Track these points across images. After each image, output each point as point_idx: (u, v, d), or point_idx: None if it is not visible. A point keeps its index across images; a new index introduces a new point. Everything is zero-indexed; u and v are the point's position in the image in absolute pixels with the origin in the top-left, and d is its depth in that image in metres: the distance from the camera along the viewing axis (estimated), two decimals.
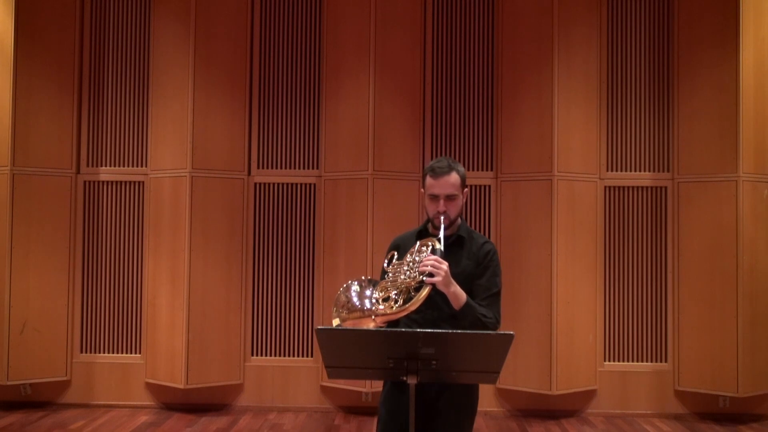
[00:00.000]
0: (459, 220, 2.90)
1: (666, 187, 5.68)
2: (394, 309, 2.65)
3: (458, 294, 2.68)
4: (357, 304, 2.69)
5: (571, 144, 5.51)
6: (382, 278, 2.85)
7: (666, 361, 5.62)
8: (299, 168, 5.83)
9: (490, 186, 5.73)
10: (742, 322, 5.26)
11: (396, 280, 2.71)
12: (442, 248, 2.68)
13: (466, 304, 2.69)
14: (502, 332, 2.41)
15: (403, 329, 2.63)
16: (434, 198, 2.78)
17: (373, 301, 2.68)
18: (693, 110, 5.54)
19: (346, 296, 2.72)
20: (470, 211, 5.74)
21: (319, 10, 5.84)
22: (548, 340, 5.38)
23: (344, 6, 5.69)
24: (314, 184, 5.79)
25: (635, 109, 5.75)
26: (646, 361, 5.65)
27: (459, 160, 5.72)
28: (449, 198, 2.78)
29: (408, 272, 2.70)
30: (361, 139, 5.56)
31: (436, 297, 2.70)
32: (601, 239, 5.65)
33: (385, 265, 2.83)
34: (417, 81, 5.70)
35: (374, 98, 5.55)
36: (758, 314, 5.35)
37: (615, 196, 5.72)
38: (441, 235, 2.72)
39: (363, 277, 2.79)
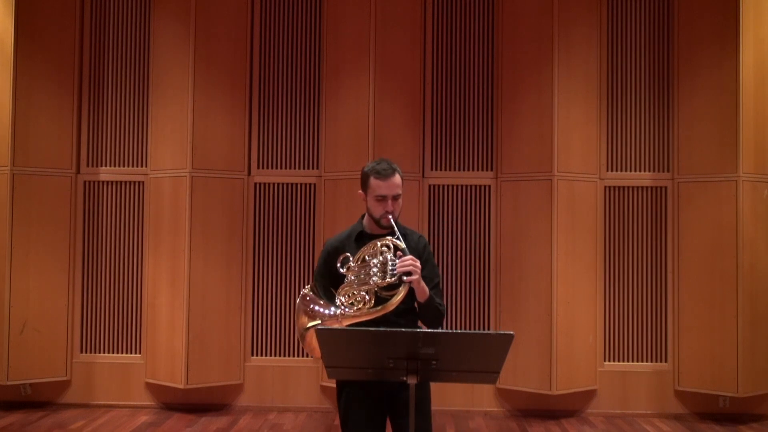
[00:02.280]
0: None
1: (666, 187, 5.68)
2: (368, 310, 2.72)
3: (424, 287, 2.79)
4: (324, 311, 2.75)
5: (571, 144, 5.51)
6: (317, 281, 2.92)
7: (666, 361, 5.62)
8: (299, 168, 5.83)
9: (490, 186, 5.73)
10: (742, 322, 5.26)
11: (366, 282, 2.76)
12: (404, 245, 2.77)
13: (429, 295, 2.81)
14: (502, 332, 2.42)
15: (404, 329, 2.63)
16: (382, 199, 2.87)
17: (339, 304, 2.75)
18: (693, 110, 5.54)
19: (309, 306, 2.78)
20: (470, 211, 5.74)
21: (319, 10, 5.84)
22: (548, 340, 5.38)
23: (344, 6, 5.69)
24: (314, 184, 5.79)
25: (635, 109, 5.75)
26: (646, 361, 5.65)
27: (459, 160, 5.76)
28: (395, 198, 2.88)
29: (378, 273, 2.75)
30: (361, 139, 5.56)
31: (388, 295, 2.77)
32: (601, 239, 5.65)
33: (339, 267, 2.85)
34: (417, 81, 5.70)
35: (374, 98, 5.55)
36: (758, 314, 5.35)
37: (615, 196, 5.72)
38: (398, 233, 2.82)
39: (306, 288, 2.86)
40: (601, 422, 5.44)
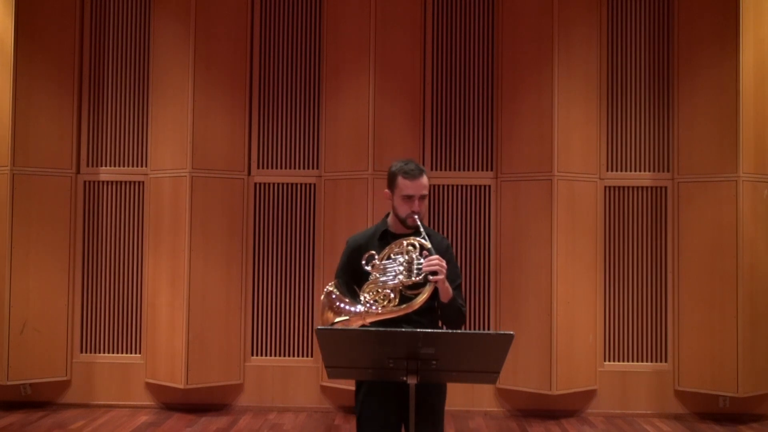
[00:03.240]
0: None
1: (666, 187, 5.68)
2: (393, 308, 2.73)
3: (448, 288, 2.81)
4: (349, 308, 2.76)
5: (571, 144, 5.51)
6: (339, 278, 2.95)
7: (666, 361, 5.62)
8: (299, 168, 5.83)
9: (490, 186, 5.73)
10: (742, 322, 5.26)
11: (392, 280, 2.78)
12: (430, 245, 2.79)
13: (452, 296, 2.83)
14: (502, 332, 2.42)
15: (404, 329, 2.63)
16: (408, 198, 2.89)
17: (363, 301, 2.77)
18: (693, 110, 5.54)
19: (336, 304, 2.79)
20: (470, 211, 5.74)
21: (319, 10, 5.84)
22: (548, 339, 5.38)
23: (344, 6, 5.69)
24: (314, 184, 5.79)
25: (635, 109, 5.75)
26: (646, 361, 5.65)
27: (459, 160, 5.76)
28: (422, 198, 2.90)
29: (404, 271, 2.76)
30: (361, 139, 5.56)
31: (411, 294, 2.79)
32: (601, 239, 5.65)
33: (364, 265, 2.87)
34: (417, 81, 5.70)
35: (374, 98, 5.55)
36: (758, 314, 5.35)
37: (615, 196, 5.72)
38: (423, 233, 2.84)
39: (330, 285, 2.87)
40: (601, 422, 5.44)
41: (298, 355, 5.76)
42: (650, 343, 5.65)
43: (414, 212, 2.87)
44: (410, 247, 2.82)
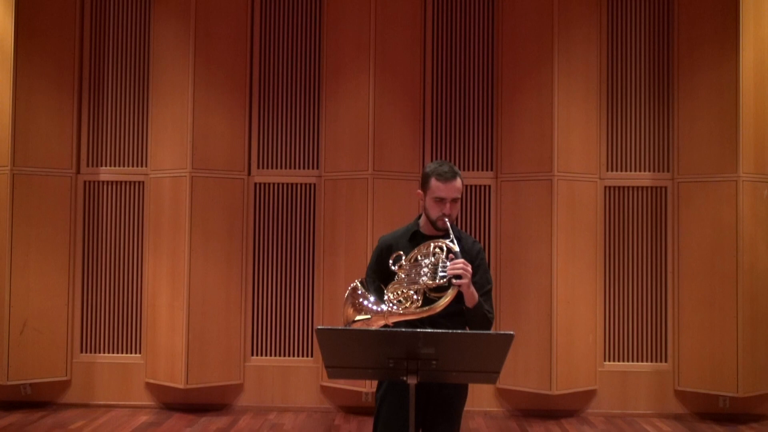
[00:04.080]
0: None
1: (666, 187, 5.68)
2: (415, 309, 2.72)
3: (473, 293, 2.78)
4: (372, 306, 2.76)
5: (571, 144, 5.51)
6: (368, 276, 2.95)
7: (666, 361, 5.62)
8: (299, 168, 5.83)
9: (490, 186, 5.73)
10: (742, 322, 5.26)
11: (416, 281, 2.76)
12: (458, 249, 2.77)
13: (478, 302, 2.80)
14: (502, 332, 2.42)
15: (403, 329, 2.63)
16: (440, 201, 2.87)
17: (386, 301, 2.76)
18: (693, 110, 5.54)
19: (358, 301, 2.79)
20: (470, 211, 5.74)
21: (319, 10, 5.84)
22: (548, 339, 5.38)
23: (344, 6, 5.69)
24: (314, 184, 5.79)
25: (635, 108, 5.75)
26: (646, 361, 5.65)
27: (459, 160, 5.75)
28: (454, 201, 2.88)
29: (428, 273, 2.75)
30: (361, 139, 5.56)
31: (436, 296, 2.76)
32: (601, 239, 5.65)
33: (391, 265, 2.87)
34: (417, 81, 5.70)
35: (374, 98, 5.55)
36: (758, 314, 5.35)
37: (615, 196, 5.72)
38: (452, 236, 2.81)
39: (357, 280, 2.87)
40: (601, 422, 5.44)
41: (298, 355, 5.76)
42: (650, 343, 5.65)
43: (445, 215, 2.85)
44: (437, 250, 2.81)
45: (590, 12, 5.64)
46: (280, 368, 5.73)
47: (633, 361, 5.65)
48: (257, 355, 5.76)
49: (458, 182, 2.88)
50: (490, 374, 2.56)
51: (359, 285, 2.84)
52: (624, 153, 5.74)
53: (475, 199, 5.74)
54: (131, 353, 5.76)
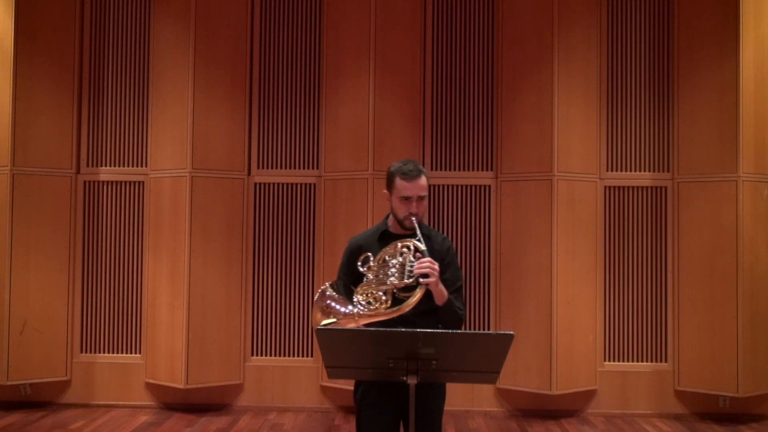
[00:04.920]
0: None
1: (666, 187, 5.68)
2: (384, 310, 2.71)
3: (443, 290, 2.78)
4: (341, 308, 2.75)
5: (571, 144, 5.51)
6: (340, 278, 2.94)
7: (666, 361, 5.62)
8: (299, 168, 5.83)
9: (490, 186, 5.73)
10: (742, 322, 5.26)
11: (384, 282, 2.76)
12: (425, 247, 2.75)
13: (448, 299, 2.79)
14: (502, 332, 2.42)
15: (403, 329, 2.63)
16: (406, 200, 2.86)
17: (356, 302, 2.75)
18: (693, 110, 5.54)
19: (326, 303, 2.78)
20: (470, 211, 5.74)
21: (319, 10, 5.84)
22: (548, 340, 5.38)
23: (344, 6, 5.69)
24: (314, 184, 5.79)
25: (635, 108, 5.75)
26: (646, 361, 5.65)
27: (459, 160, 5.76)
28: (420, 199, 2.87)
29: (396, 274, 2.75)
30: (361, 139, 5.56)
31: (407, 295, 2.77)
32: (601, 239, 5.65)
33: (360, 266, 2.86)
34: (417, 81, 5.70)
35: (374, 98, 5.55)
36: (758, 314, 5.35)
37: (615, 196, 5.72)
38: (419, 235, 2.80)
39: (327, 283, 2.86)
40: (601, 422, 5.44)
41: (298, 355, 5.76)
42: (650, 343, 5.65)
43: (412, 213, 2.84)
44: (404, 249, 2.80)
45: (590, 12, 5.64)
46: (280, 368, 5.73)
47: (633, 361, 5.65)
48: (257, 355, 5.76)
49: (423, 180, 2.88)
50: (490, 374, 2.56)
51: (328, 287, 2.82)
52: (624, 153, 5.74)
53: (475, 199, 5.74)
54: (131, 353, 5.76)
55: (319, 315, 2.77)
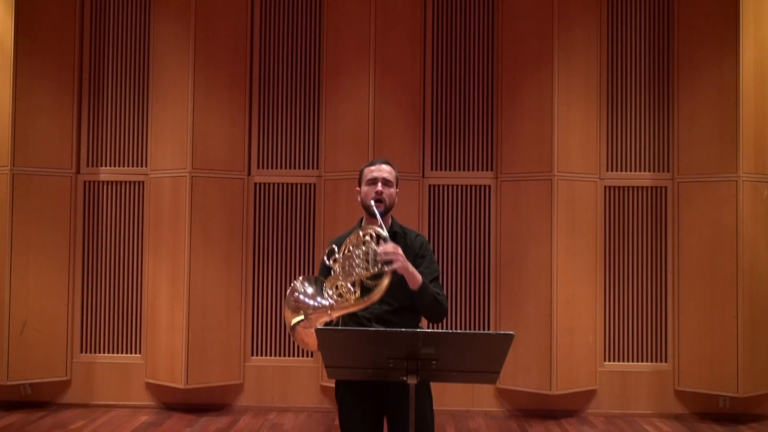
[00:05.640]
0: (391, 218, 3.00)
1: (666, 187, 5.68)
2: (354, 301, 2.70)
3: (415, 274, 2.76)
4: (310, 302, 2.74)
5: (571, 144, 5.51)
6: (323, 275, 2.90)
7: (666, 361, 5.62)
8: (299, 168, 5.83)
9: (490, 186, 5.73)
10: (742, 322, 5.26)
11: (350, 274, 2.75)
12: (386, 233, 2.75)
13: (423, 283, 2.77)
14: (502, 332, 2.42)
15: (404, 329, 2.63)
16: (372, 182, 2.92)
17: (326, 296, 2.74)
18: (693, 110, 5.54)
19: (295, 298, 2.76)
20: (470, 211, 5.74)
21: (319, 11, 5.84)
22: (548, 340, 5.38)
23: (344, 6, 5.69)
24: (314, 184, 5.79)
25: (635, 108, 5.75)
26: (646, 361, 5.65)
27: (459, 160, 5.76)
28: (386, 183, 2.92)
29: (361, 264, 2.74)
30: (361, 139, 5.56)
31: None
32: (601, 239, 5.65)
33: (325, 259, 2.86)
34: (417, 81, 5.70)
35: (374, 98, 5.55)
36: (758, 314, 5.35)
37: (615, 196, 5.72)
38: (380, 221, 2.81)
39: (300, 277, 2.84)
40: (601, 422, 5.44)
41: (298, 355, 5.76)
42: (650, 343, 5.65)
43: (377, 193, 2.87)
44: (366, 238, 2.77)
45: (590, 12, 5.64)
46: (280, 368, 5.73)
47: (633, 361, 5.65)
48: (257, 355, 5.76)
49: (388, 167, 2.96)
50: (490, 374, 2.56)
51: (297, 285, 2.79)
52: (624, 153, 5.74)
53: (475, 199, 5.74)
54: (131, 353, 5.76)
55: (288, 313, 2.75)
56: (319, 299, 2.73)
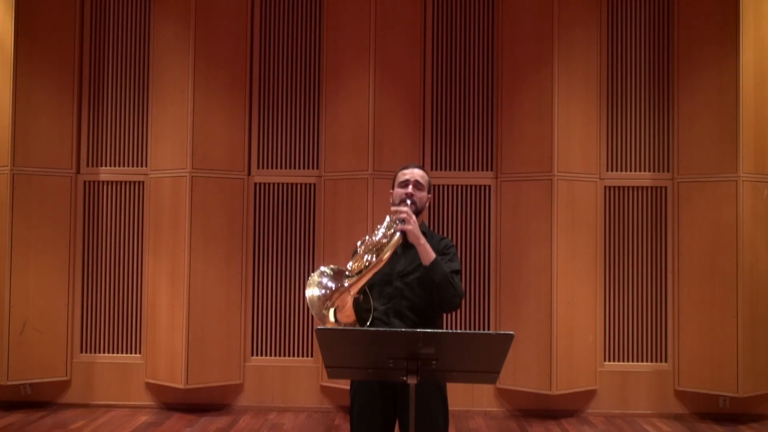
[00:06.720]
0: (420, 221, 3.06)
1: (666, 187, 5.68)
2: (368, 264, 2.80)
3: (428, 247, 2.86)
4: (327, 282, 2.81)
5: (571, 144, 5.51)
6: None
7: (666, 361, 5.62)
8: (299, 168, 5.83)
9: (490, 186, 5.73)
10: (742, 322, 5.26)
11: (370, 249, 2.87)
12: (407, 209, 2.87)
13: (436, 259, 2.86)
14: (502, 332, 2.42)
15: (403, 329, 2.63)
16: (404, 184, 3.05)
17: (349, 271, 2.85)
18: (693, 110, 5.54)
19: (321, 282, 2.82)
20: (470, 211, 5.74)
21: (319, 10, 5.84)
22: (548, 340, 5.38)
23: (344, 6, 5.69)
24: (314, 184, 5.79)
25: (635, 108, 5.75)
26: (646, 361, 5.65)
27: (459, 160, 5.76)
28: (417, 186, 3.04)
29: (379, 235, 2.88)
30: (361, 139, 5.56)
31: (402, 286, 2.90)
32: (601, 239, 5.65)
33: (358, 246, 2.97)
34: (417, 81, 5.70)
35: (374, 98, 5.55)
36: (758, 314, 5.35)
37: (615, 196, 5.72)
38: (407, 206, 2.93)
39: (323, 267, 2.91)
40: (601, 422, 5.44)
41: (298, 355, 5.76)
42: (650, 343, 5.65)
43: (408, 194, 2.99)
44: (388, 218, 2.94)
45: (590, 12, 5.64)
46: (280, 368, 5.73)
47: (633, 361, 5.65)
48: (257, 355, 5.77)
49: (421, 171, 3.09)
50: (490, 374, 2.56)
51: (327, 269, 2.88)
52: (624, 153, 5.74)
53: (475, 199, 5.74)
54: (131, 353, 5.76)
55: (316, 292, 2.80)
56: (344, 280, 2.82)
